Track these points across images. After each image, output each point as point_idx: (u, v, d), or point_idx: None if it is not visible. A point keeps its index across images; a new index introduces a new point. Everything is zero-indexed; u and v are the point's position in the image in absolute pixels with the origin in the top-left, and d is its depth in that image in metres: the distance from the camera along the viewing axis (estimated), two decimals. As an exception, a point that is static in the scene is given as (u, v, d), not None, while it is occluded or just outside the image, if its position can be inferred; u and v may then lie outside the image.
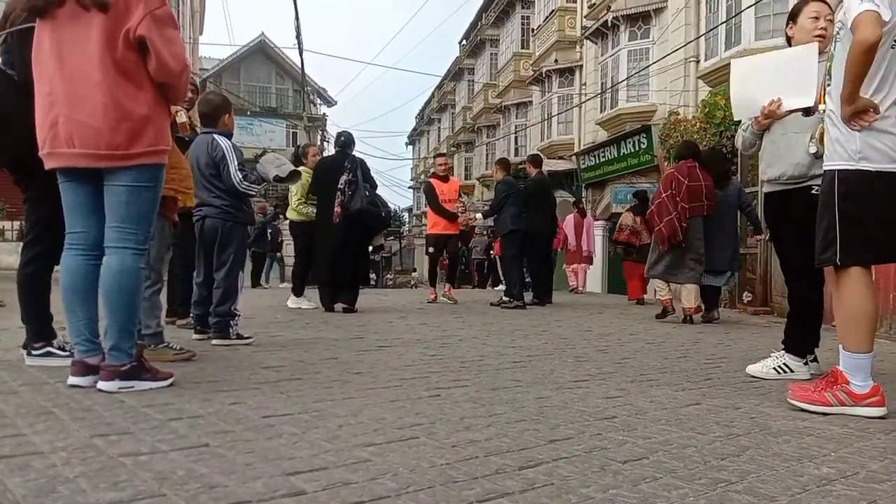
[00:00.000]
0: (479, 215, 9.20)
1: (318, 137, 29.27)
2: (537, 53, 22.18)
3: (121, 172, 2.63)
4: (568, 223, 12.57)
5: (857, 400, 2.59)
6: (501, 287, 13.61)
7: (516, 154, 23.16)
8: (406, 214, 47.40)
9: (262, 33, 37.03)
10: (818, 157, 3.08)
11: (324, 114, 36.39)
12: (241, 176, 4.31)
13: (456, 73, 35.95)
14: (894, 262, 2.94)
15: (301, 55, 20.36)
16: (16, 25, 2.99)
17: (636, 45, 15.82)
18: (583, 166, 17.93)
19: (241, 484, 1.60)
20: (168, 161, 2.82)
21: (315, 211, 7.18)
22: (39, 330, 3.21)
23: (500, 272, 14.28)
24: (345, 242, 6.75)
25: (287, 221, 8.51)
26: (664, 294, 7.02)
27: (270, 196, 23.73)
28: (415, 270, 33.20)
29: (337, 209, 6.72)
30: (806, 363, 3.54)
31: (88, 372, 2.67)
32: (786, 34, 3.60)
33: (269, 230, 15.17)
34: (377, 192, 7.17)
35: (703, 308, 6.88)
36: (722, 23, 12.03)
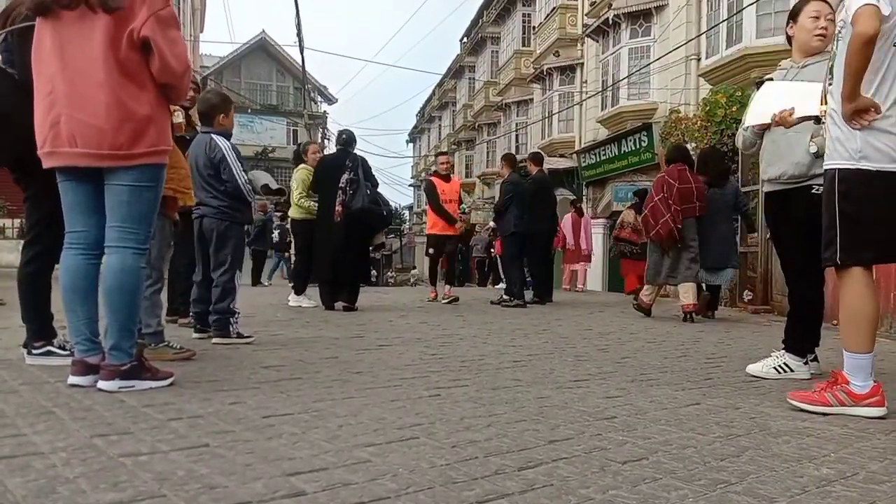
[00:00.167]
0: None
1: (319, 135, 29.24)
2: (538, 51, 22.16)
3: (122, 172, 2.64)
4: (566, 223, 12.58)
5: (857, 400, 2.59)
6: (502, 285, 13.64)
7: (517, 152, 23.11)
8: (406, 212, 47.40)
9: (263, 31, 37.08)
10: (818, 156, 3.08)
11: (324, 111, 36.42)
12: (245, 178, 4.32)
13: (457, 71, 35.92)
14: (895, 261, 2.93)
15: (302, 53, 20.39)
16: (16, 24, 2.99)
17: (637, 42, 15.81)
18: (583, 164, 17.92)
19: (241, 484, 1.60)
20: (168, 160, 2.83)
21: (316, 205, 7.18)
22: (40, 329, 3.22)
23: (501, 270, 14.31)
24: (346, 241, 6.75)
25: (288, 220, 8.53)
26: (648, 297, 7.18)
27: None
28: (415, 268, 33.23)
29: (338, 208, 6.72)
30: (806, 363, 3.54)
31: (89, 371, 2.68)
32: (786, 33, 3.60)
33: (278, 230, 15.23)
34: (378, 190, 7.18)
35: (698, 305, 6.92)
36: (723, 20, 12.03)
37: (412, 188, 48.56)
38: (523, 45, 24.78)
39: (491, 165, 27.67)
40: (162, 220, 3.50)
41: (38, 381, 2.79)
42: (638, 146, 15.02)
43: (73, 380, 2.68)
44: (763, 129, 3.54)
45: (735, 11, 11.64)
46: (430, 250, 8.96)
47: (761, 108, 3.39)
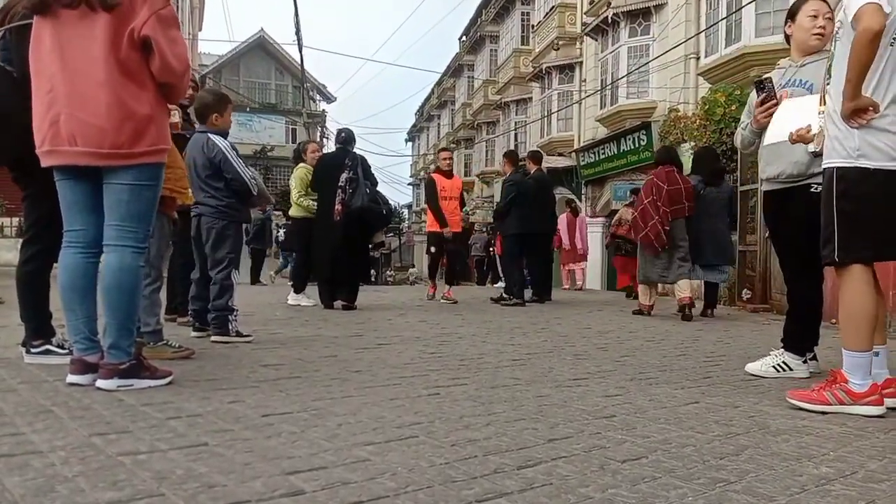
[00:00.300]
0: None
1: (318, 133, 29.25)
2: (537, 50, 22.15)
3: (122, 171, 2.64)
4: (561, 223, 12.61)
5: (856, 399, 2.59)
6: (501, 284, 13.65)
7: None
8: (405, 211, 47.39)
9: (262, 29, 37.07)
10: (817, 155, 3.07)
11: (323, 110, 36.41)
12: (250, 173, 4.33)
13: (456, 70, 35.90)
14: (894, 259, 2.93)
15: (300, 51, 20.42)
16: (14, 22, 2.99)
17: (636, 41, 15.80)
18: (583, 163, 17.92)
19: (239, 483, 1.60)
20: (167, 159, 2.83)
21: (315, 204, 7.18)
22: (38, 327, 3.21)
23: (500, 269, 14.32)
24: (345, 240, 6.74)
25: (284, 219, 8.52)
26: (646, 300, 7.23)
27: (271, 192, 23.69)
28: (413, 267, 33.25)
29: (338, 207, 6.71)
30: (805, 361, 3.54)
31: (87, 370, 2.67)
32: (784, 32, 3.60)
33: (284, 229, 15.24)
34: (377, 189, 7.17)
35: (694, 298, 7.09)
36: (722, 19, 12.02)
37: (411, 187, 48.56)
38: (522, 44, 24.76)
39: (490, 164, 27.67)
40: (161, 218, 3.50)
41: (37, 380, 2.79)
42: (637, 145, 15.01)
43: (71, 378, 2.67)
44: (762, 128, 3.54)
45: (734, 10, 11.63)
46: (432, 249, 8.85)
47: (777, 128, 3.34)
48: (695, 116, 11.46)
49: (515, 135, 24.28)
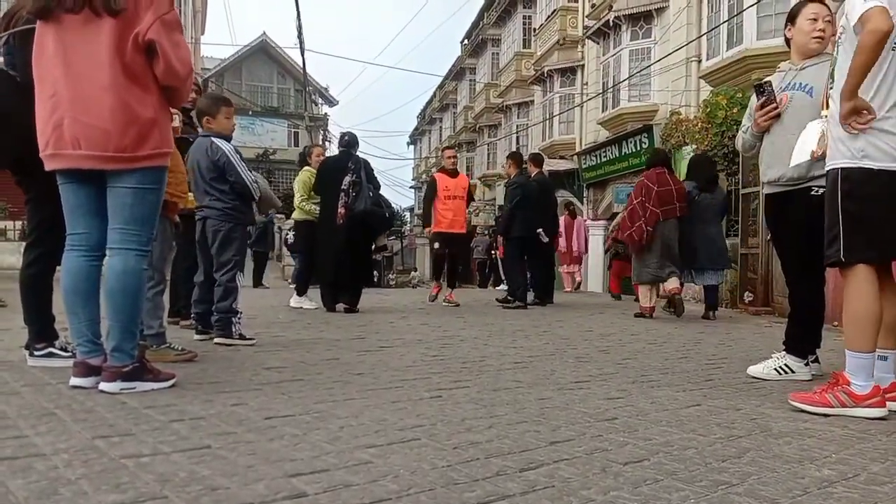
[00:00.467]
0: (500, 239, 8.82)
1: (320, 137, 29.26)
2: (539, 53, 22.17)
3: (125, 175, 2.65)
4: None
5: (858, 401, 2.59)
6: (502, 287, 13.64)
7: (518, 154, 23.12)
8: (407, 214, 47.37)
9: (264, 33, 37.08)
10: (818, 159, 3.08)
11: (325, 113, 36.43)
12: (252, 177, 4.35)
13: (457, 73, 35.94)
14: None
15: (303, 55, 20.44)
16: (18, 26, 3.00)
17: (638, 44, 15.81)
18: (584, 166, 17.92)
19: (242, 486, 1.61)
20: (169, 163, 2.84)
21: (317, 208, 7.20)
22: (41, 330, 3.22)
23: (502, 272, 14.31)
24: (348, 243, 6.75)
25: (286, 221, 8.51)
26: (647, 301, 7.26)
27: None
28: (416, 270, 33.22)
29: (341, 210, 6.72)
30: (807, 364, 3.54)
31: (90, 373, 2.68)
32: (785, 36, 3.61)
33: (293, 231, 15.18)
34: (380, 192, 7.18)
35: (682, 288, 7.31)
36: (723, 22, 12.02)
37: (413, 190, 48.56)
38: (524, 47, 24.78)
39: (492, 167, 27.67)
40: (163, 222, 3.51)
41: (40, 383, 2.80)
42: (639, 148, 15.01)
43: (74, 381, 2.68)
44: (762, 131, 3.54)
45: (736, 13, 11.63)
46: (436, 244, 8.60)
47: (797, 153, 3.33)
48: (696, 119, 11.46)
49: (517, 138, 24.29)
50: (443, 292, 8.91)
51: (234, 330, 4.31)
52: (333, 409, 2.48)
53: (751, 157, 5.87)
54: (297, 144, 35.29)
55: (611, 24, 16.17)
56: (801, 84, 3.42)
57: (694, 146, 11.15)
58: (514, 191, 8.33)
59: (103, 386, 2.62)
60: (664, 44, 14.55)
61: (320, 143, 22.77)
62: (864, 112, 2.55)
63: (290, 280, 14.60)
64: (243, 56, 36.35)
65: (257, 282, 13.90)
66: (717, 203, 7.30)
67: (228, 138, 4.45)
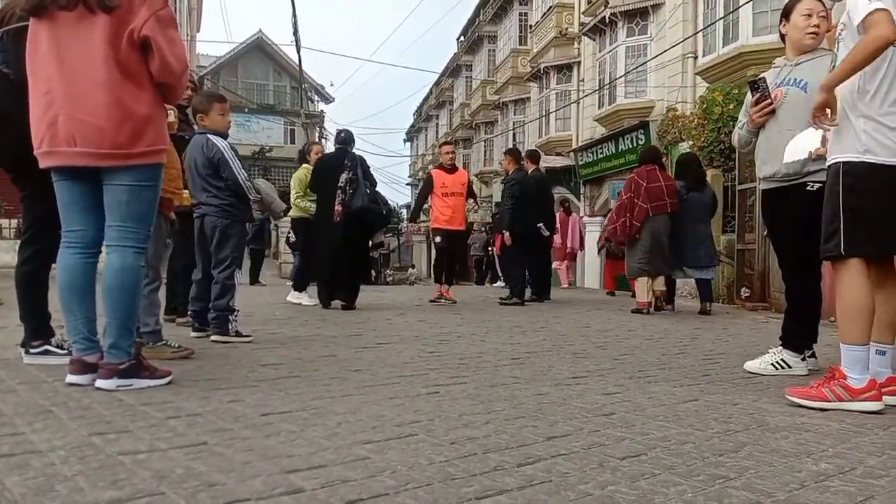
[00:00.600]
0: (506, 233, 8.35)
1: (316, 134, 29.22)
2: (535, 50, 22.16)
3: (121, 172, 2.64)
4: None
5: (855, 395, 2.60)
6: (499, 283, 13.66)
7: (514, 151, 23.09)
8: (404, 211, 47.35)
9: (260, 30, 37.04)
10: (816, 159, 3.09)
11: (321, 111, 36.38)
12: (245, 174, 4.34)
13: (454, 70, 35.90)
14: None
15: (298, 52, 20.34)
16: (11, 24, 2.99)
17: (634, 41, 15.80)
18: (581, 162, 17.92)
19: (239, 482, 1.60)
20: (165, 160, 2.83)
21: (313, 205, 7.19)
22: (37, 328, 3.21)
23: (499, 268, 14.32)
24: (345, 240, 6.74)
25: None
26: (643, 296, 7.31)
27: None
28: (413, 266, 33.25)
29: (338, 208, 6.70)
30: (804, 359, 3.55)
31: (87, 370, 2.68)
32: (780, 32, 3.61)
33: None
34: (377, 189, 7.17)
35: (665, 292, 7.55)
36: (720, 18, 12.02)
37: (409, 187, 48.52)
38: (520, 44, 24.76)
39: (488, 164, 27.64)
40: (159, 219, 3.50)
41: (36, 381, 2.79)
42: (635, 144, 15.00)
43: (71, 378, 2.68)
44: (758, 128, 3.55)
45: (731, 9, 11.63)
46: (437, 238, 8.39)
47: (791, 151, 3.33)
48: (693, 116, 11.47)
49: (514, 135, 24.27)
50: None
51: (230, 327, 4.31)
52: (331, 406, 2.47)
53: (747, 153, 5.89)
54: (293, 142, 35.25)
55: (607, 20, 16.15)
56: (795, 80, 3.43)
57: (690, 142, 11.16)
58: (513, 187, 8.28)
59: (100, 383, 2.61)
60: (660, 40, 14.55)
61: (317, 140, 22.73)
62: (829, 112, 2.65)
63: (290, 277, 14.59)
64: (239, 53, 36.26)
65: (254, 279, 13.88)
66: (706, 201, 7.46)
67: (224, 135, 4.44)
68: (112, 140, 2.59)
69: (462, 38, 35.20)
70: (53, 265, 2.94)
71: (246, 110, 33.71)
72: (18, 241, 3.33)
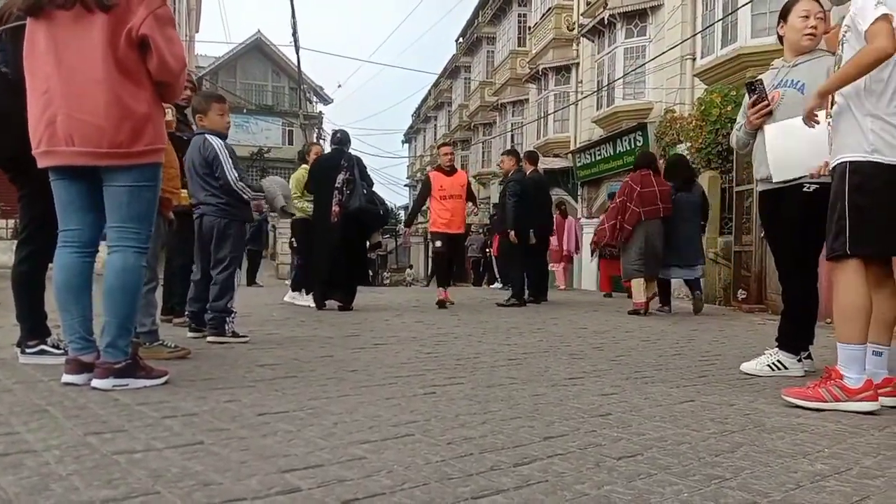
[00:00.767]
0: (511, 233, 8.19)
1: (315, 135, 29.20)
2: (534, 51, 22.18)
3: (120, 173, 2.65)
4: None
5: (851, 395, 2.60)
6: (496, 285, 13.66)
7: (513, 152, 23.10)
8: (402, 213, 47.34)
9: (259, 31, 37.09)
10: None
11: (320, 112, 36.36)
12: (236, 175, 4.32)
13: (452, 71, 35.93)
14: None
15: (297, 53, 20.30)
16: (9, 23, 2.98)
17: (632, 42, 15.84)
18: (579, 164, 17.94)
19: (235, 481, 1.60)
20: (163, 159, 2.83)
21: (310, 205, 7.19)
22: (33, 328, 3.21)
23: (496, 270, 14.33)
24: (343, 241, 6.73)
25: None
26: (640, 296, 7.35)
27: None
28: (411, 267, 33.24)
29: (335, 209, 6.70)
30: (800, 360, 3.55)
31: (83, 370, 2.67)
32: (777, 33, 3.62)
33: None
34: (374, 189, 7.16)
35: (656, 296, 7.61)
36: (718, 20, 12.05)
37: (408, 188, 48.52)
38: (519, 45, 24.79)
39: (486, 165, 27.66)
40: (157, 219, 3.50)
41: (32, 380, 2.79)
42: (633, 146, 15.03)
43: (66, 378, 2.67)
44: (756, 129, 3.55)
45: (730, 11, 11.66)
46: (437, 242, 8.14)
47: (786, 157, 3.30)
48: (691, 117, 11.49)
49: (512, 136, 24.30)
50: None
51: (227, 328, 4.31)
52: (327, 406, 2.47)
53: (744, 154, 5.90)
54: (291, 143, 35.23)
55: (605, 22, 16.18)
56: (792, 81, 3.43)
57: (688, 144, 11.17)
58: (514, 185, 8.21)
59: (95, 383, 2.61)
60: (659, 42, 14.58)
61: (315, 141, 22.72)
62: (817, 115, 2.76)
63: (287, 277, 14.56)
64: (238, 54, 36.25)
65: (251, 280, 13.88)
66: (695, 201, 7.59)
67: (223, 135, 4.44)
68: (111, 139, 2.59)
69: (461, 40, 35.24)
70: (50, 265, 2.94)
71: (244, 111, 33.69)
72: (15, 242, 3.32)
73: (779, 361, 3.52)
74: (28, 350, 3.18)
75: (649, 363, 3.87)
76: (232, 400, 2.52)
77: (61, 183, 2.72)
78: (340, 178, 6.72)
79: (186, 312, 4.71)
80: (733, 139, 3.84)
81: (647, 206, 7.15)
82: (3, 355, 3.35)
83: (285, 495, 1.53)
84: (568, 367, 3.63)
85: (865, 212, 2.61)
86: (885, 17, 2.49)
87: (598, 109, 16.89)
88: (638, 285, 7.35)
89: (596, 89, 17.00)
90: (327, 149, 8.16)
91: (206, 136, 4.34)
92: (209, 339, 4.26)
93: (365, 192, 6.80)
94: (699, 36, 12.93)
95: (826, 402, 2.62)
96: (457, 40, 36.60)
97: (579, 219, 15.34)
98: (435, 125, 42.87)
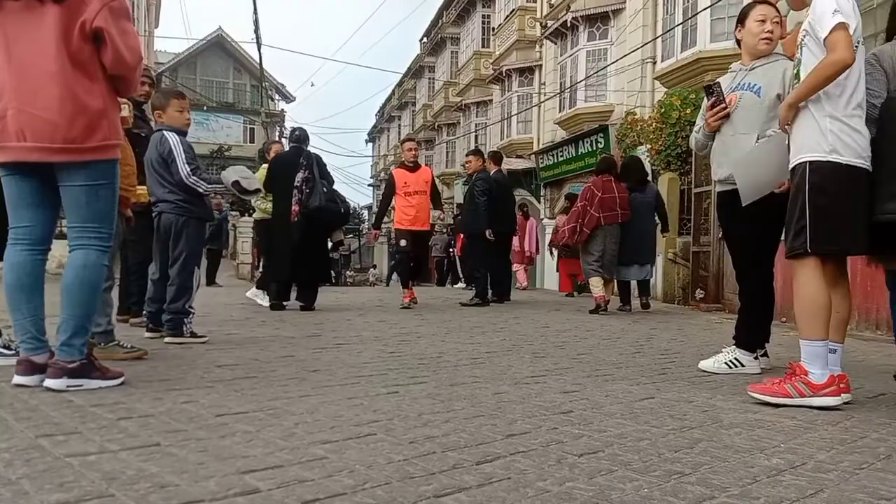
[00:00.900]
0: (488, 231, 8.14)
1: (277, 133, 28.89)
2: (497, 52, 22.28)
3: (75, 170, 2.58)
4: None
5: (816, 390, 2.66)
6: (460, 285, 13.68)
7: (476, 153, 23.15)
8: (365, 212, 47.10)
9: (220, 28, 36.49)
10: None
11: (282, 109, 36.00)
12: (188, 169, 4.20)
13: (416, 71, 35.89)
14: (862, 254, 3.03)
15: (259, 50, 20.14)
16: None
17: (594, 45, 15.99)
18: (541, 165, 18.06)
19: (193, 483, 1.57)
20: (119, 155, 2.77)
21: (270, 205, 7.09)
22: (-17, 328, 3.11)
23: (460, 270, 14.35)
24: (303, 240, 6.65)
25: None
26: (598, 291, 7.57)
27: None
28: (374, 267, 33.12)
29: (295, 208, 6.62)
30: (756, 357, 3.62)
31: (35, 371, 2.59)
32: (735, 37, 3.69)
33: None
34: (334, 187, 7.09)
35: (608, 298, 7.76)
36: (678, 24, 12.24)
37: (371, 188, 48.32)
38: (483, 46, 24.88)
39: (450, 165, 27.69)
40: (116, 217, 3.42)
41: (-19, 382, 2.70)
42: (595, 148, 15.19)
43: (18, 379, 2.59)
44: (714, 131, 3.61)
45: (690, 16, 11.86)
46: (402, 241, 7.92)
47: (755, 182, 3.33)
48: (651, 119, 11.64)
49: (475, 137, 24.37)
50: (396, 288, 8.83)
51: (185, 329, 4.23)
52: (288, 406, 2.44)
53: (703, 157, 6.00)
54: (252, 141, 34.81)
55: (568, 24, 16.32)
56: (749, 84, 3.50)
57: (648, 146, 11.32)
58: (481, 185, 8.22)
59: (49, 383, 2.54)
60: (620, 45, 14.75)
61: (277, 139, 22.47)
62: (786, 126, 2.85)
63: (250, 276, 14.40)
64: (198, 50, 35.70)
65: (210, 280, 13.66)
66: (648, 201, 7.82)
67: (184, 132, 4.35)
68: (65, 134, 2.52)
69: (425, 40, 35.21)
70: (0, 263, 2.85)
71: (205, 108, 33.18)
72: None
73: (736, 359, 3.59)
74: (-23, 351, 3.08)
75: (610, 361, 3.91)
76: (190, 401, 2.47)
77: (12, 179, 2.64)
78: (299, 176, 6.64)
79: (144, 312, 4.61)
80: (692, 141, 3.90)
81: (607, 211, 7.41)
82: (-50, 357, 3.24)
83: (244, 496, 1.50)
84: (530, 366, 3.64)
85: (825, 211, 2.68)
86: (843, 26, 2.56)
87: (560, 111, 17.02)
88: (597, 282, 7.60)
89: (559, 91, 17.13)
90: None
91: (164, 132, 4.26)
92: (167, 339, 4.18)
93: (325, 190, 6.72)
94: (660, 40, 13.12)
95: (792, 397, 2.67)
96: (421, 40, 36.58)
97: (542, 219, 15.45)
98: (399, 125, 42.76)
